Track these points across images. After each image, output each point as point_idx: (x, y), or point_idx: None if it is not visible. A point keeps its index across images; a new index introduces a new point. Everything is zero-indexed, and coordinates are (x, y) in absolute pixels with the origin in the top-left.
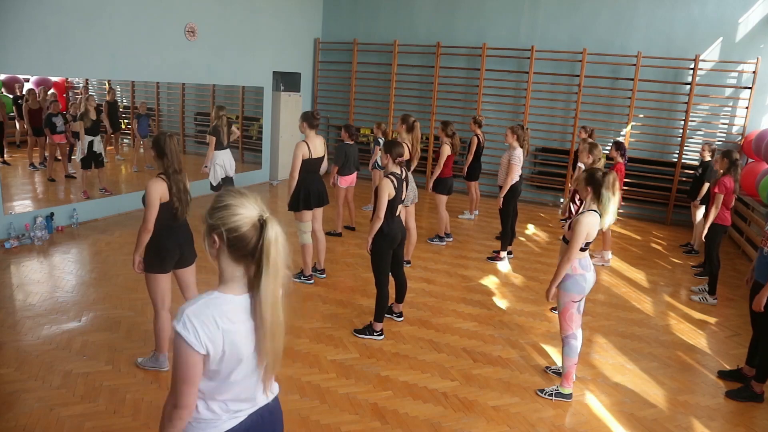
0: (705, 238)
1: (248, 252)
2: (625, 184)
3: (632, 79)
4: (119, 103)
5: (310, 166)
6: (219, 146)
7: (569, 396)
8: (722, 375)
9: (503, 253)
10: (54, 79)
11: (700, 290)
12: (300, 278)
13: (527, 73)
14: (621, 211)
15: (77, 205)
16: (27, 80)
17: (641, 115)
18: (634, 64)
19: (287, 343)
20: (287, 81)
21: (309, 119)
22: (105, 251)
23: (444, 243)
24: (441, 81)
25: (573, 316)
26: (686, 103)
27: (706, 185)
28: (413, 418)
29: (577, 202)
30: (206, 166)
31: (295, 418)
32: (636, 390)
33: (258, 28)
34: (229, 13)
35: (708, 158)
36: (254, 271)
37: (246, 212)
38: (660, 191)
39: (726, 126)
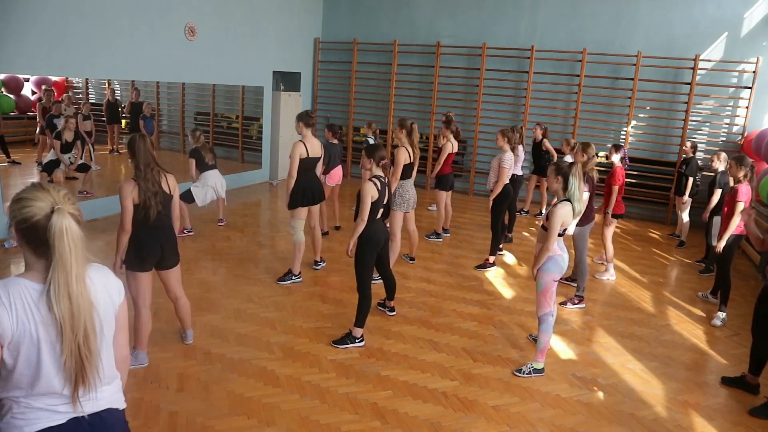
0: (722, 250)
1: (43, 243)
2: (625, 183)
3: (632, 79)
4: (119, 101)
5: (307, 164)
6: (205, 167)
7: (542, 371)
8: (725, 381)
9: (492, 258)
10: (54, 78)
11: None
12: (290, 279)
13: (527, 73)
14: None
15: (77, 204)
16: (27, 80)
17: (641, 115)
18: (634, 64)
19: (287, 343)
20: (287, 81)
21: (305, 119)
22: (105, 251)
23: (441, 239)
24: (441, 81)
25: (553, 295)
26: (686, 102)
27: (691, 180)
28: (413, 417)
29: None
30: (195, 185)
31: (295, 417)
32: (636, 390)
33: (258, 27)
34: (229, 13)
35: (691, 154)
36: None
37: (38, 203)
38: (660, 191)
39: (726, 126)
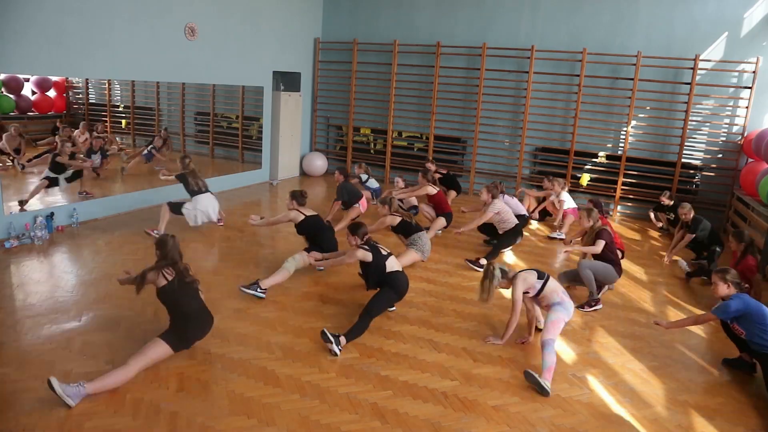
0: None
1: None
2: (625, 183)
3: (632, 79)
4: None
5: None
6: (196, 192)
7: (547, 392)
8: (726, 362)
9: (483, 260)
10: (54, 78)
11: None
12: (254, 290)
13: (527, 72)
14: (620, 210)
15: (77, 204)
16: (27, 80)
17: (641, 115)
18: (634, 64)
19: (287, 343)
20: (287, 81)
21: (297, 197)
22: (105, 251)
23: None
24: (441, 81)
25: (560, 329)
26: (686, 102)
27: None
28: (413, 417)
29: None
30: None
31: (295, 417)
32: (636, 390)
33: (258, 27)
34: (229, 13)
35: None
36: None
37: None
38: (659, 191)
39: (726, 126)
